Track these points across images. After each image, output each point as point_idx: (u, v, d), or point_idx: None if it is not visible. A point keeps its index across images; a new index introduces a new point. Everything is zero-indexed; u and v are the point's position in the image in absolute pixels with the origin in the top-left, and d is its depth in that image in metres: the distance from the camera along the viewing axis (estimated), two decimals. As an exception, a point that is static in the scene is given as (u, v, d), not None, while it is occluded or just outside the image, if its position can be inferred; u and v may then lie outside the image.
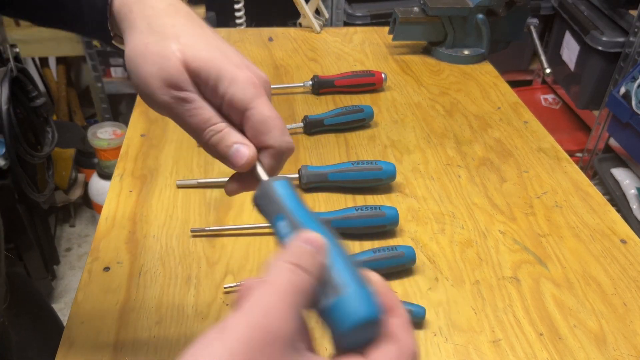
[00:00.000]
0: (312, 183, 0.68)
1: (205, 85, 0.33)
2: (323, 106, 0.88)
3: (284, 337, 0.22)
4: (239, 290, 0.26)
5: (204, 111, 0.33)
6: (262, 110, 0.33)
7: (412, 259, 0.57)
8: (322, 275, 0.26)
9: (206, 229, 0.62)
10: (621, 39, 1.47)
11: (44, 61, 1.89)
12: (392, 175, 0.68)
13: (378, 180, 0.68)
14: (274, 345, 0.22)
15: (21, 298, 0.57)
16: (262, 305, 0.23)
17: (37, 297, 0.63)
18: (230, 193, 0.37)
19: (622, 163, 1.52)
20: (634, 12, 1.46)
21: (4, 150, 1.26)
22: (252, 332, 0.22)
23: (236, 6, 1.18)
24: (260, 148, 0.34)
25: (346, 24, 1.71)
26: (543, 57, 1.02)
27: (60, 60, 1.86)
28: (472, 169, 0.75)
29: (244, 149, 0.33)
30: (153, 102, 0.34)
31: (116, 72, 1.80)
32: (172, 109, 0.33)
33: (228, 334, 0.22)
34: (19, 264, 1.45)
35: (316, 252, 0.26)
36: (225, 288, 0.55)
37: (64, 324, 0.52)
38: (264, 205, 0.32)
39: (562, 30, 1.74)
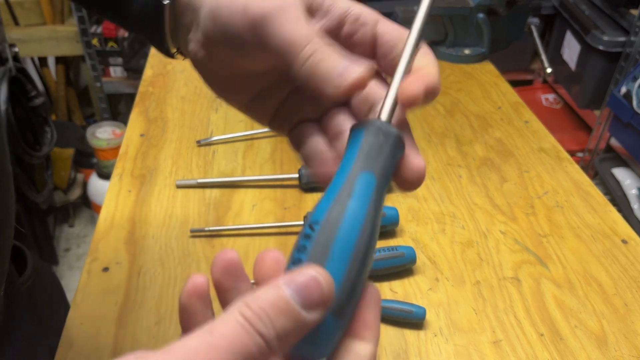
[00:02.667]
0: (312, 183, 0.68)
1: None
2: (323, 106, 0.88)
3: None
4: (185, 320, 0.22)
5: (303, 24, 0.25)
6: (390, 28, 0.26)
7: (413, 259, 0.57)
8: (291, 345, 0.20)
9: (206, 229, 0.61)
10: (622, 39, 1.47)
11: (43, 61, 1.89)
12: (393, 175, 0.68)
13: (378, 180, 0.68)
14: None
15: (41, 281, 0.57)
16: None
17: (54, 283, 0.64)
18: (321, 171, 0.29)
19: (623, 163, 1.52)
20: (635, 12, 1.46)
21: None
22: None
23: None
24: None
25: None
26: (544, 57, 1.02)
27: (59, 59, 1.86)
28: (473, 168, 0.74)
29: (355, 66, 0.25)
30: (250, 9, 0.26)
31: (115, 71, 1.80)
32: (268, 18, 0.25)
33: None
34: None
35: (301, 308, 0.19)
36: (224, 288, 0.55)
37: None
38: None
39: (563, 30, 1.74)
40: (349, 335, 0.23)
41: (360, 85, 0.25)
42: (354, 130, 0.25)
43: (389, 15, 1.05)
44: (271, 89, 0.31)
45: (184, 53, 0.33)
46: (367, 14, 0.27)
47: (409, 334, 0.52)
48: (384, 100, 0.25)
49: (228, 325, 0.18)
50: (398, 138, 0.24)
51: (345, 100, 0.26)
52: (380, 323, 0.23)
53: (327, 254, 0.21)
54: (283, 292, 0.19)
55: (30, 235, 1.44)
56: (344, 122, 0.28)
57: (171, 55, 0.34)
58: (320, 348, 0.21)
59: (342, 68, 0.24)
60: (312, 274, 0.20)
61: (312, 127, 0.29)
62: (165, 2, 0.30)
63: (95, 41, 1.71)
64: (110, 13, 0.34)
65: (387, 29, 0.27)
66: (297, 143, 0.30)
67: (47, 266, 0.63)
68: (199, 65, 0.31)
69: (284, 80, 0.30)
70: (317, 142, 0.29)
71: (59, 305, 0.63)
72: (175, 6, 0.30)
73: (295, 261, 0.22)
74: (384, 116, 0.24)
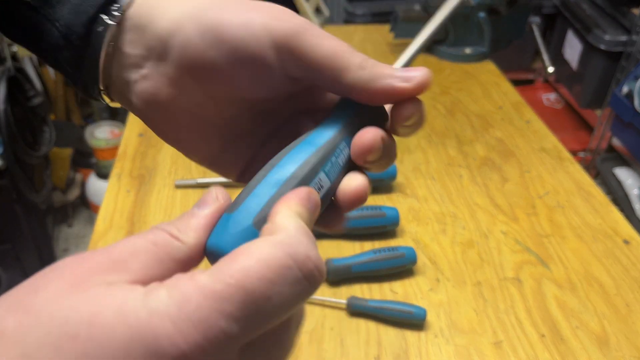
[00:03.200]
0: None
1: None
2: (323, 105, 0.87)
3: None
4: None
5: (336, 38, 0.24)
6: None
7: (413, 259, 0.56)
8: (199, 235, 0.22)
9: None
10: (624, 38, 1.46)
11: (41, 60, 1.88)
12: (393, 175, 0.67)
13: (379, 181, 0.67)
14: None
15: None
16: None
17: None
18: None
19: (624, 163, 1.52)
20: (636, 11, 1.46)
21: (1, 150, 1.26)
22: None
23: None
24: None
25: (347, 22, 1.71)
26: (545, 56, 1.02)
27: (59, 59, 1.85)
28: (474, 168, 0.74)
29: (413, 71, 0.24)
30: (275, 27, 0.23)
31: (115, 71, 1.80)
32: (299, 33, 0.24)
33: None
34: (16, 264, 1.45)
35: (196, 208, 0.22)
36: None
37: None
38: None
39: (564, 29, 1.73)
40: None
41: (428, 84, 0.25)
42: (342, 99, 0.26)
43: (390, 14, 1.05)
44: (245, 133, 0.27)
45: (113, 96, 0.27)
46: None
47: (410, 335, 0.51)
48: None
49: (135, 236, 0.20)
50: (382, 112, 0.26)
51: (407, 98, 0.25)
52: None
53: (264, 175, 0.23)
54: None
55: (29, 235, 1.43)
56: None
57: (93, 97, 0.27)
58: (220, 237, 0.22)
59: (398, 71, 0.24)
60: (209, 189, 0.23)
61: None
62: (108, 22, 0.24)
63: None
64: (17, 30, 0.27)
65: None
66: None
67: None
68: (151, 109, 0.26)
69: (265, 122, 0.27)
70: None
71: None
72: (117, 31, 0.25)
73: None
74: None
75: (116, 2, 0.24)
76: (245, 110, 0.27)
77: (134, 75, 0.25)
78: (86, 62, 0.25)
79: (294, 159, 0.23)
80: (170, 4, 0.25)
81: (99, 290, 0.17)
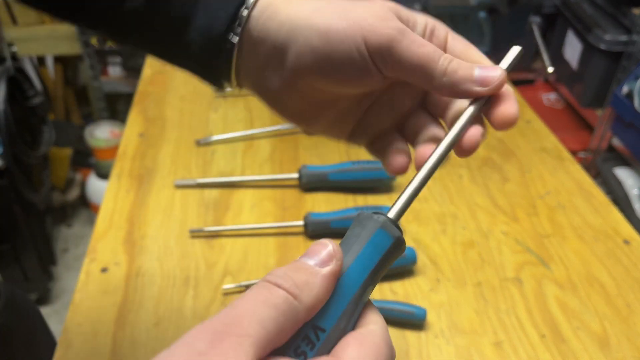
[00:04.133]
0: (312, 183, 0.67)
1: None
2: (323, 105, 0.87)
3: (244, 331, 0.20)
4: None
5: (426, 42, 0.28)
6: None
7: (413, 259, 0.56)
8: (317, 297, 0.22)
9: (205, 229, 0.61)
10: (624, 38, 1.46)
11: (41, 60, 1.88)
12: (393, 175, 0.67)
13: (378, 180, 0.67)
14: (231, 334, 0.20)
15: (18, 316, 0.55)
16: (227, 312, 0.21)
17: (35, 315, 0.62)
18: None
19: (625, 163, 1.52)
20: (637, 11, 1.46)
21: (0, 150, 1.25)
22: (213, 325, 0.20)
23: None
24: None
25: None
26: (545, 56, 1.02)
27: (57, 59, 1.85)
28: (474, 168, 0.74)
29: (488, 69, 0.28)
30: (371, 38, 0.27)
31: (114, 71, 1.80)
32: (395, 43, 0.27)
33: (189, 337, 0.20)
34: (15, 264, 1.44)
35: (317, 265, 0.23)
36: (224, 289, 0.55)
37: (61, 325, 0.51)
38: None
39: (564, 29, 1.73)
40: None
41: (502, 83, 0.28)
42: (377, 234, 0.25)
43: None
44: (351, 108, 0.32)
45: (242, 86, 0.33)
46: (439, 26, 0.31)
47: (410, 335, 0.51)
48: (399, 198, 0.28)
49: (250, 294, 0.21)
50: (402, 246, 0.26)
51: (476, 97, 0.29)
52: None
53: None
54: (298, 259, 0.24)
55: (28, 235, 1.43)
56: (424, 122, 0.32)
57: (223, 89, 0.34)
58: None
59: (477, 73, 0.28)
60: (319, 242, 0.24)
61: (392, 134, 0.32)
62: (234, 41, 0.30)
63: (93, 40, 1.70)
64: (158, 46, 0.33)
65: (455, 41, 0.30)
66: (380, 152, 0.33)
67: (24, 295, 0.60)
68: (274, 99, 0.32)
69: (365, 98, 0.32)
70: (400, 145, 0.32)
71: (40, 341, 0.60)
72: (241, 45, 0.30)
73: None
74: (393, 215, 0.27)
75: (239, 21, 0.30)
76: (350, 97, 0.32)
77: (258, 77, 0.31)
78: (219, 72, 0.32)
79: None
80: (282, 14, 0.29)
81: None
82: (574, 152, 1.64)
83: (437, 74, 0.28)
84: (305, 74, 0.29)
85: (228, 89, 0.34)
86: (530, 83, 2.05)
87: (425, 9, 1.00)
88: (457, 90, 0.28)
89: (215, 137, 0.77)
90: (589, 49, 1.56)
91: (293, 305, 0.21)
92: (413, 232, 0.63)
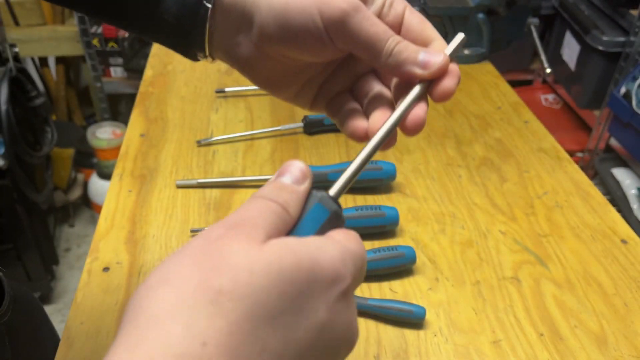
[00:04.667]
0: (312, 183, 0.67)
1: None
2: (323, 106, 0.88)
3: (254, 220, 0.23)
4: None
5: (378, 21, 0.30)
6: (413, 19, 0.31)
7: (413, 259, 0.57)
8: (295, 205, 0.26)
9: (206, 229, 0.61)
10: (622, 39, 1.47)
11: (43, 61, 1.89)
12: (393, 175, 0.68)
13: (378, 180, 0.68)
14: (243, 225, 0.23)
15: (23, 313, 0.56)
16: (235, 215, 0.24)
17: (39, 313, 0.62)
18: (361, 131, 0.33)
19: (622, 163, 1.52)
20: (634, 12, 1.46)
21: (3, 150, 1.26)
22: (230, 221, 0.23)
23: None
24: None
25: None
26: (544, 57, 1.02)
27: (59, 59, 1.86)
28: (473, 168, 0.74)
29: (432, 54, 0.30)
30: (326, 11, 0.29)
31: (115, 71, 1.80)
32: (348, 18, 0.29)
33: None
34: (17, 264, 1.45)
35: (294, 184, 0.26)
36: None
37: (63, 324, 0.52)
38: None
39: (562, 30, 1.74)
40: None
41: (444, 69, 0.30)
42: (316, 206, 0.27)
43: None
44: (316, 76, 0.35)
45: (213, 55, 0.34)
46: (398, 1, 0.32)
47: (409, 334, 0.52)
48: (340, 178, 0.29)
49: (252, 204, 0.25)
50: (340, 220, 0.28)
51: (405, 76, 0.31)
52: None
53: None
54: (273, 179, 0.27)
55: (31, 235, 1.44)
56: (373, 86, 0.34)
57: (196, 59, 0.35)
58: None
59: (421, 57, 0.30)
60: (289, 162, 0.27)
61: (345, 96, 0.34)
62: (208, 5, 0.31)
63: (95, 41, 1.71)
64: (133, 17, 0.34)
65: (412, 16, 0.32)
66: (335, 110, 0.35)
67: (28, 293, 0.60)
68: (245, 65, 0.33)
69: (329, 66, 0.34)
70: (352, 105, 0.34)
71: (44, 338, 0.61)
72: (214, 11, 0.32)
73: None
74: (336, 193, 0.29)
75: None
76: (312, 64, 0.34)
77: (231, 43, 0.33)
78: (193, 38, 0.33)
79: None
80: None
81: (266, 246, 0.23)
82: (572, 153, 1.65)
83: (383, 54, 0.30)
84: (270, 41, 0.31)
85: (200, 58, 0.35)
86: (528, 84, 2.06)
87: (424, 10, 1.01)
88: (401, 71, 0.30)
89: (216, 138, 0.77)
90: (586, 50, 1.57)
91: (284, 216, 0.25)
92: (412, 232, 0.63)
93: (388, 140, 0.30)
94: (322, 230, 0.27)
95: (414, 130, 0.30)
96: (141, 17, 0.33)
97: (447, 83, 0.30)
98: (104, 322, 0.51)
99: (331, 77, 0.35)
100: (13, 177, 1.31)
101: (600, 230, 0.65)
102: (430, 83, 0.30)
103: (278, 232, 0.24)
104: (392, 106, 0.32)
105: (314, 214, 0.27)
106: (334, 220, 0.27)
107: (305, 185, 0.27)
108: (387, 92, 0.33)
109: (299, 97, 0.36)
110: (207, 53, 0.34)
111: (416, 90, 0.30)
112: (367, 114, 0.33)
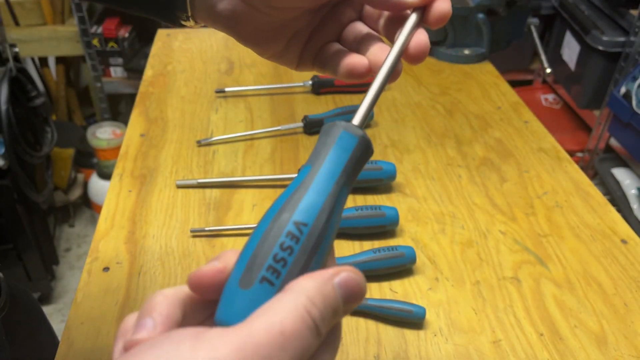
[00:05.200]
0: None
1: None
2: (323, 106, 0.88)
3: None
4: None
5: None
6: None
7: (413, 259, 0.57)
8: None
9: (206, 229, 0.62)
10: (622, 39, 1.47)
11: (43, 61, 1.89)
12: (393, 175, 0.68)
13: (378, 180, 0.68)
14: None
15: (21, 311, 0.56)
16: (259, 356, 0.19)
17: (37, 312, 0.62)
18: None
19: (622, 163, 1.52)
20: (634, 12, 1.46)
21: (3, 150, 1.26)
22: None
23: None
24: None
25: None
26: (543, 57, 1.02)
27: (59, 59, 1.86)
28: (473, 168, 0.74)
29: None
30: None
31: (115, 71, 1.80)
32: None
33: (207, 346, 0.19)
34: (18, 264, 1.45)
35: (342, 307, 0.22)
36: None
37: (63, 324, 0.52)
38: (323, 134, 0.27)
39: (562, 30, 1.74)
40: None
41: None
42: (342, 135, 0.26)
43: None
44: (303, 28, 0.34)
45: (196, 17, 0.34)
46: None
47: (409, 334, 0.52)
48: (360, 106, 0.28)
49: (296, 323, 0.20)
50: (369, 144, 0.27)
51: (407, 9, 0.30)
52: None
53: (312, 259, 0.24)
54: (335, 292, 0.22)
55: (31, 235, 1.44)
56: (361, 29, 0.33)
57: (179, 24, 0.34)
58: (235, 318, 0.23)
59: None
60: (357, 278, 0.23)
61: (333, 44, 0.34)
62: None
63: (95, 41, 1.71)
64: None
65: None
66: (324, 59, 0.34)
67: (26, 291, 0.60)
68: (230, 21, 0.32)
69: (314, 16, 0.34)
70: (342, 49, 0.33)
71: (42, 336, 0.60)
72: None
73: (278, 259, 0.23)
74: (360, 121, 0.28)
75: None
76: (299, 14, 0.33)
77: (212, 2, 0.32)
78: (174, 1, 0.32)
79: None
80: None
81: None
82: (571, 153, 1.65)
83: None
84: None
85: (183, 22, 0.34)
86: (528, 84, 2.06)
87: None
88: (387, 2, 0.30)
89: (216, 138, 0.77)
90: (586, 50, 1.57)
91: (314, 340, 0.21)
92: (412, 232, 0.63)
93: (395, 72, 0.30)
94: (353, 159, 0.26)
95: (418, 55, 0.30)
96: None
97: (441, 5, 0.29)
98: (104, 322, 0.51)
99: (317, 30, 0.34)
100: (13, 177, 1.31)
101: (600, 230, 0.65)
102: (424, 10, 0.30)
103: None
104: (385, 43, 0.32)
105: (342, 143, 0.26)
106: (364, 145, 0.26)
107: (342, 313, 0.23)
108: (376, 34, 0.33)
109: (285, 54, 0.35)
110: (190, 13, 0.33)
111: (413, 18, 0.30)
112: (361, 53, 0.32)
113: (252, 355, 0.19)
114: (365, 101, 0.28)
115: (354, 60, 0.32)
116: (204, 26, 0.35)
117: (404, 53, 0.30)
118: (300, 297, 0.21)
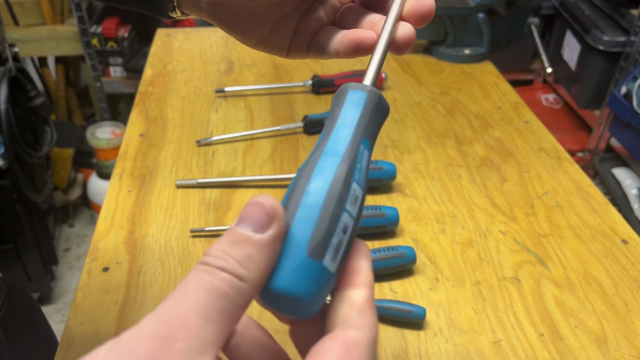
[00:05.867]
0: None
1: None
2: (323, 106, 0.88)
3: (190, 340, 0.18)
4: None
5: None
6: None
7: (413, 259, 0.57)
8: (262, 271, 0.20)
9: (205, 229, 0.61)
10: (622, 39, 1.47)
11: (42, 61, 1.89)
12: (393, 175, 0.68)
13: (378, 180, 0.68)
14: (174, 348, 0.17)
15: (19, 310, 0.56)
16: (165, 315, 0.18)
17: (35, 311, 0.62)
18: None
19: (623, 163, 1.52)
20: (635, 12, 1.46)
21: (2, 150, 1.26)
22: (149, 338, 0.17)
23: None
24: None
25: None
26: (544, 57, 1.02)
27: (59, 59, 1.86)
28: (473, 168, 0.74)
29: None
30: None
31: (115, 71, 1.80)
32: None
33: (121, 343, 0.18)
34: (17, 264, 1.45)
35: (256, 232, 0.20)
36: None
37: (63, 324, 0.52)
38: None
39: (563, 30, 1.74)
40: (341, 287, 0.23)
41: None
42: (351, 93, 0.26)
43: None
44: (288, 16, 0.33)
45: (185, 9, 0.33)
46: None
47: (409, 334, 0.52)
48: (369, 66, 0.28)
49: (192, 281, 0.19)
50: (380, 98, 0.27)
51: None
52: (372, 271, 0.24)
53: (300, 197, 0.22)
54: (232, 227, 0.21)
55: (30, 235, 1.44)
56: (358, 10, 0.32)
57: (166, 15, 0.33)
58: (304, 291, 0.21)
59: None
60: (252, 201, 0.21)
61: (329, 27, 0.33)
62: None
63: (95, 41, 1.71)
64: None
65: None
66: (322, 44, 0.33)
67: (24, 290, 0.60)
68: (216, 10, 0.32)
69: (300, 5, 0.33)
70: (339, 30, 0.32)
71: (40, 335, 0.60)
72: None
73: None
74: (370, 81, 0.27)
75: None
76: (279, 3, 0.32)
77: None
78: None
79: (324, 176, 0.23)
80: None
81: None
82: (572, 153, 1.65)
83: None
84: None
85: (170, 14, 0.33)
86: (529, 84, 2.06)
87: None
88: None
89: (216, 138, 0.77)
90: (587, 50, 1.57)
91: (240, 287, 0.19)
92: (412, 232, 0.63)
93: (403, 37, 0.29)
94: (365, 114, 0.25)
95: (421, 16, 0.29)
96: None
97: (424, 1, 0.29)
98: (103, 322, 0.51)
99: (309, 14, 0.33)
100: (13, 177, 1.31)
101: (601, 230, 0.65)
102: None
103: (228, 319, 0.19)
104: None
105: (352, 99, 0.25)
106: (374, 99, 0.26)
107: (272, 231, 0.21)
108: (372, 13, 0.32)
109: (271, 39, 0.34)
110: (176, 3, 0.32)
111: None
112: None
113: None
114: (372, 61, 0.28)
115: (360, 34, 0.31)
116: (188, 16, 0.34)
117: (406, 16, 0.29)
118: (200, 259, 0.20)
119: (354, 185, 0.24)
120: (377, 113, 0.26)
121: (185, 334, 0.18)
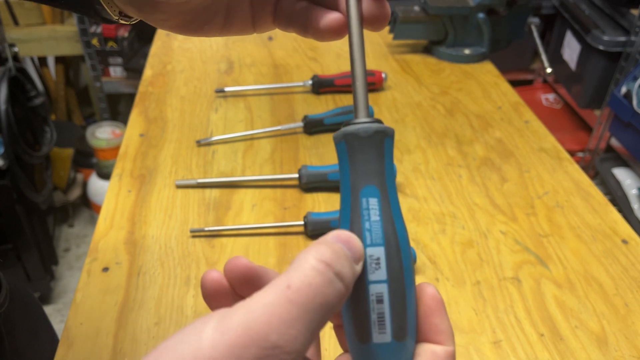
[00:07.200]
0: (312, 183, 0.67)
1: None
2: (323, 106, 0.87)
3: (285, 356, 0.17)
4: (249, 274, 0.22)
5: None
6: None
7: (413, 259, 0.56)
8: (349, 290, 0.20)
9: (205, 229, 0.61)
10: (622, 39, 1.47)
11: (42, 60, 1.89)
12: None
13: (378, 180, 0.68)
14: None
15: (20, 308, 0.56)
16: (268, 314, 0.17)
17: (37, 309, 0.62)
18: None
19: (623, 163, 1.52)
20: (635, 12, 1.46)
21: (2, 150, 1.26)
22: (246, 340, 0.17)
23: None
24: None
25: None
26: (544, 57, 1.02)
27: (58, 59, 1.86)
28: (473, 168, 0.74)
29: None
30: None
31: (115, 71, 1.80)
32: None
33: (212, 334, 0.17)
34: (17, 264, 1.45)
35: (353, 260, 0.20)
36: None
37: (63, 324, 0.52)
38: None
39: (563, 30, 1.73)
40: (424, 342, 0.24)
41: None
42: (336, 144, 0.25)
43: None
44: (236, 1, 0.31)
45: (119, 6, 0.30)
46: None
47: (409, 334, 0.51)
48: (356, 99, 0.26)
49: (306, 275, 0.18)
50: (390, 137, 0.25)
51: None
52: (449, 323, 0.24)
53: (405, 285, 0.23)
54: (336, 243, 0.20)
55: (30, 235, 1.43)
56: None
57: (100, 17, 0.31)
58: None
59: None
60: (346, 233, 0.21)
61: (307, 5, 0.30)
62: None
63: (94, 41, 1.71)
64: None
65: None
66: (288, 19, 0.30)
67: (25, 289, 0.60)
68: (158, 11, 0.29)
69: None
70: (308, 5, 0.30)
71: (42, 333, 0.60)
72: None
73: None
74: (364, 115, 0.25)
75: None
76: None
77: None
78: None
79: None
80: None
81: None
82: (572, 153, 1.65)
83: None
84: None
85: (105, 15, 0.30)
86: (529, 84, 2.06)
87: (424, 10, 1.00)
88: None
89: (216, 138, 0.77)
90: (587, 50, 1.56)
91: (339, 290, 0.19)
92: (412, 232, 0.63)
93: (378, 15, 0.27)
94: (354, 161, 0.23)
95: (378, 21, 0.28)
96: None
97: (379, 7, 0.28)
98: (103, 322, 0.51)
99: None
100: (12, 177, 1.31)
101: (601, 231, 0.65)
102: None
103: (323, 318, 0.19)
104: None
105: (339, 150, 0.24)
106: (356, 138, 0.23)
107: (358, 268, 0.21)
108: None
109: (231, 27, 0.31)
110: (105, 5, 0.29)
111: None
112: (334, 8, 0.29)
113: (261, 326, 0.17)
114: (357, 92, 0.26)
115: (333, 17, 0.28)
116: (131, 20, 0.31)
117: (364, 21, 0.27)
118: (311, 249, 0.20)
119: (368, 251, 0.22)
120: (370, 150, 0.24)
121: (290, 346, 0.18)
